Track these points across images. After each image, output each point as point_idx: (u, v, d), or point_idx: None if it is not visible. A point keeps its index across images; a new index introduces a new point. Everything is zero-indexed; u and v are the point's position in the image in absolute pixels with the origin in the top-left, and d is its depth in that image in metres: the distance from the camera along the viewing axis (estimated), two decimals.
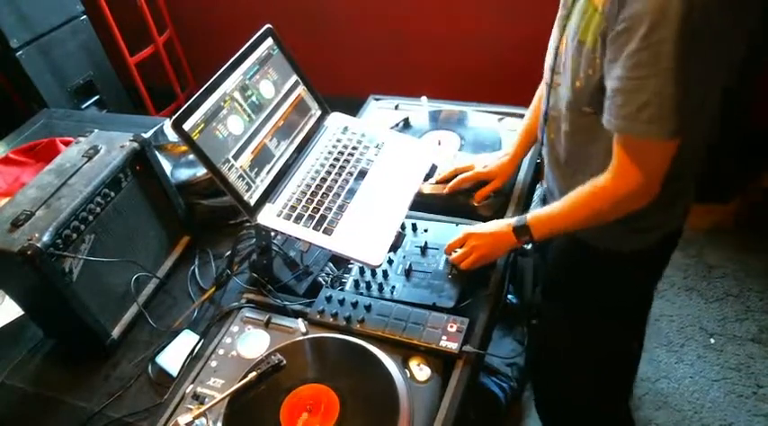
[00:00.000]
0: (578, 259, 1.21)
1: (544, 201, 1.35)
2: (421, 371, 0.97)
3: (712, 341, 2.01)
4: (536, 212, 1.07)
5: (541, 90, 1.23)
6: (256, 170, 1.12)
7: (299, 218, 1.10)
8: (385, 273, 1.14)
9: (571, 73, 0.97)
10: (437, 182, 1.31)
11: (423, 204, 1.28)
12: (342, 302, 1.08)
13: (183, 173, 1.40)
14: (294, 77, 1.25)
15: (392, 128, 1.49)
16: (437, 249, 1.17)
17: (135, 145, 1.19)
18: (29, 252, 0.95)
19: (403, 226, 1.21)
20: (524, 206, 1.31)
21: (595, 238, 1.12)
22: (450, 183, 1.29)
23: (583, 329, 1.28)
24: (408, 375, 0.96)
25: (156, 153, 1.28)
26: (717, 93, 0.93)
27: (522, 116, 1.50)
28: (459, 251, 1.11)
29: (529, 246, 1.30)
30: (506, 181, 1.29)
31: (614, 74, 0.86)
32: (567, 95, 1.01)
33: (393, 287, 1.11)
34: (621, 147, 0.91)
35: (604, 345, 1.30)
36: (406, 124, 1.52)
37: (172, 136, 1.58)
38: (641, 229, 1.08)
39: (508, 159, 1.29)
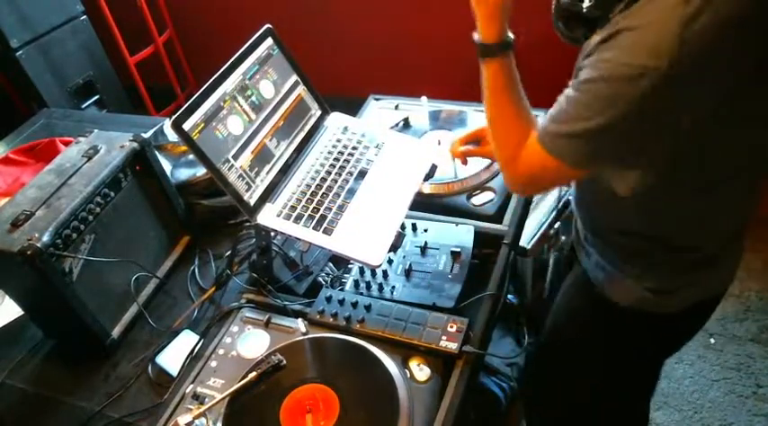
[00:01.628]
0: (589, 309, 1.18)
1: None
2: (421, 371, 0.97)
3: (712, 341, 2.01)
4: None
5: None
6: (256, 170, 1.12)
7: (298, 218, 1.10)
8: (385, 273, 1.14)
9: None
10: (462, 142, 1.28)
11: (423, 204, 1.28)
12: (342, 302, 1.08)
13: (183, 173, 1.40)
14: (294, 77, 1.25)
15: (392, 128, 1.49)
16: (437, 249, 1.17)
17: (135, 145, 1.19)
18: (29, 252, 0.95)
19: (403, 226, 1.21)
20: (525, 206, 1.31)
21: (612, 291, 1.09)
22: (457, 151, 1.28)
23: (582, 380, 1.26)
24: (408, 375, 0.96)
25: (156, 153, 1.28)
26: (743, 175, 0.92)
27: None
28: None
29: (530, 246, 1.29)
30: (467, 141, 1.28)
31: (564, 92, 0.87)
32: None
33: (393, 287, 1.11)
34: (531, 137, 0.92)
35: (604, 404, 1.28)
36: (406, 124, 1.52)
37: (172, 136, 1.58)
38: (661, 291, 1.04)
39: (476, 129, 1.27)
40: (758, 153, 0.91)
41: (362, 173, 1.20)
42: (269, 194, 1.13)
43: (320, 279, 1.20)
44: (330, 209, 1.12)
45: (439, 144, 1.42)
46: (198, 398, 0.98)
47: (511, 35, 0.99)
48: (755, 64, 0.78)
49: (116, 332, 1.17)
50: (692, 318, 1.14)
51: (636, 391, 1.36)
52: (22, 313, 1.21)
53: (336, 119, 1.31)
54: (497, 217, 1.25)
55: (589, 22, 0.85)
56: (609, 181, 0.94)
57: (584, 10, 0.85)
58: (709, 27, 0.71)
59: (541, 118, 0.93)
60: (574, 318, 1.24)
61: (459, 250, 1.14)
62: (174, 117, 0.99)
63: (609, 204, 0.99)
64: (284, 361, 0.98)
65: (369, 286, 1.12)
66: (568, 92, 0.85)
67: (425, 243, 1.18)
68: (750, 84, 0.80)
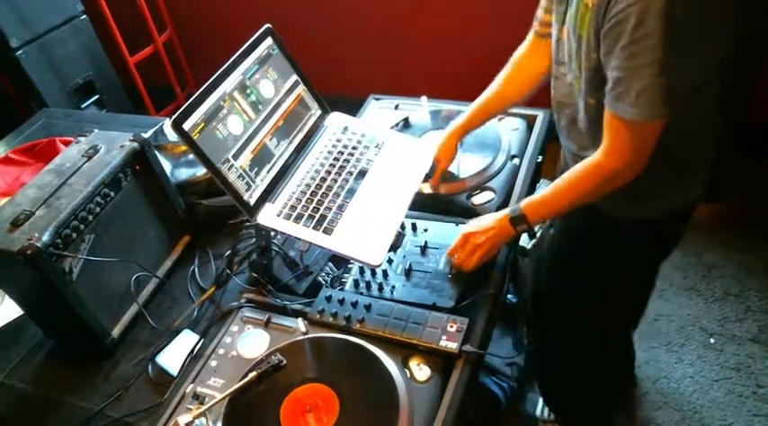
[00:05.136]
0: (584, 226, 1.23)
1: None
2: (421, 371, 0.97)
3: (712, 341, 2.01)
4: (528, 199, 1.10)
5: (504, 74, 1.28)
6: (256, 170, 1.11)
7: (298, 218, 1.10)
8: (385, 273, 1.14)
9: (576, 64, 1.03)
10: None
11: (423, 204, 1.28)
12: (342, 302, 1.08)
13: (183, 173, 1.40)
14: (294, 77, 1.25)
15: (392, 128, 1.49)
16: (437, 249, 1.17)
17: (135, 145, 1.19)
18: (29, 252, 0.95)
19: (403, 226, 1.21)
20: None
21: (601, 204, 1.14)
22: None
23: (584, 297, 1.31)
24: (408, 375, 0.96)
25: (156, 153, 1.28)
26: (714, 82, 0.99)
27: (522, 116, 1.51)
28: (461, 253, 1.12)
29: (529, 246, 1.30)
30: (450, 161, 1.32)
31: (612, 64, 0.92)
32: (576, 86, 1.06)
33: (393, 286, 1.11)
34: (622, 127, 0.97)
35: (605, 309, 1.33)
36: (406, 124, 1.52)
37: (172, 136, 1.58)
38: (646, 195, 1.09)
39: (446, 138, 1.30)
40: (726, 56, 0.99)
41: (362, 173, 1.20)
42: (269, 194, 1.13)
43: (320, 278, 1.20)
44: (330, 209, 1.12)
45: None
46: (198, 398, 0.99)
47: (508, 210, 1.10)
48: None
49: (116, 331, 1.17)
50: (674, 223, 1.22)
51: (630, 307, 1.43)
52: (22, 313, 1.21)
53: (336, 119, 1.31)
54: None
55: None
56: None
57: None
58: None
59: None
60: (569, 235, 1.31)
61: None
62: (174, 117, 0.99)
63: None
64: (284, 361, 0.97)
65: (369, 285, 1.12)
66: (614, 72, 0.91)
67: (425, 242, 1.18)
68: None
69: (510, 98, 1.29)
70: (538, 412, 1.81)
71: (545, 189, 1.09)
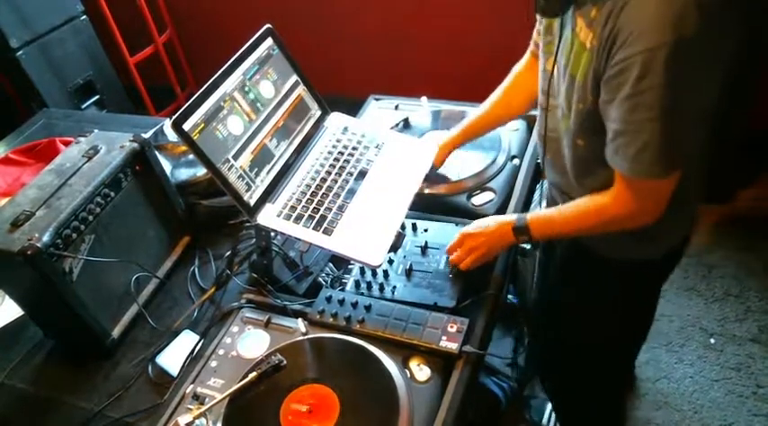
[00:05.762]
0: (582, 267, 1.21)
1: (545, 202, 1.36)
2: (421, 371, 0.97)
3: (712, 341, 2.01)
4: (536, 213, 1.08)
5: (500, 92, 1.27)
6: (256, 170, 1.11)
7: (298, 218, 1.10)
8: (385, 273, 1.14)
9: (565, 103, 0.99)
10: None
11: (423, 204, 1.28)
12: (342, 302, 1.08)
13: (183, 173, 1.40)
14: (294, 77, 1.25)
15: (392, 128, 1.49)
16: (437, 249, 1.17)
17: (135, 145, 1.19)
18: (29, 252, 0.95)
19: (403, 226, 1.21)
20: (524, 206, 1.31)
21: (596, 245, 1.13)
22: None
23: (586, 333, 1.30)
24: (408, 375, 0.96)
25: (156, 153, 1.28)
26: (712, 108, 0.94)
27: (521, 116, 1.51)
28: (458, 252, 1.11)
29: (528, 246, 1.30)
30: (435, 169, 1.31)
31: (613, 115, 0.87)
32: (563, 123, 1.03)
33: (394, 287, 1.11)
34: (624, 182, 0.93)
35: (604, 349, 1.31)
36: (406, 124, 1.52)
37: (172, 136, 1.58)
38: (645, 238, 1.06)
39: (438, 150, 1.29)
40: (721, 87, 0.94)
41: (362, 174, 1.20)
42: (269, 194, 1.13)
43: (320, 279, 1.20)
44: (330, 210, 1.12)
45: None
46: (198, 398, 0.98)
47: (513, 218, 1.08)
48: None
49: (116, 332, 1.17)
50: (671, 258, 1.20)
51: (631, 341, 1.42)
52: (22, 313, 1.21)
53: (336, 120, 1.31)
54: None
55: None
56: None
57: None
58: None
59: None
60: (567, 279, 1.29)
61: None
62: (174, 117, 0.99)
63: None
64: (284, 361, 0.98)
65: (369, 286, 1.12)
66: (615, 124, 0.87)
67: (426, 243, 1.18)
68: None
69: (506, 115, 1.29)
70: (545, 420, 1.81)
71: (557, 209, 1.06)
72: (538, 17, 1.09)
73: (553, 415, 1.80)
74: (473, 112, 1.31)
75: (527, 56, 1.24)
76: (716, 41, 0.80)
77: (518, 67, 1.26)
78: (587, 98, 0.92)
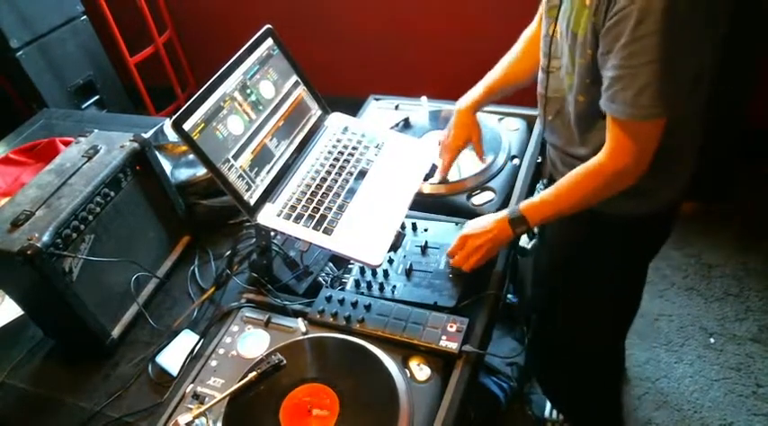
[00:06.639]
0: (575, 224, 1.21)
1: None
2: (421, 371, 0.97)
3: (712, 340, 2.01)
4: (528, 201, 1.10)
5: (515, 50, 1.28)
6: (256, 170, 1.12)
7: (298, 218, 1.10)
8: (386, 273, 1.14)
9: (569, 60, 1.03)
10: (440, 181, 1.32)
11: (423, 204, 1.28)
12: (342, 302, 1.08)
13: (183, 173, 1.40)
14: (294, 77, 1.25)
15: (392, 128, 1.49)
16: (437, 248, 1.17)
17: (135, 145, 1.19)
18: (29, 252, 0.95)
19: (403, 226, 1.22)
20: None
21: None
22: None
23: (582, 295, 1.32)
24: (408, 375, 0.96)
25: (156, 153, 1.28)
26: (706, 71, 0.99)
27: (522, 116, 1.51)
28: (459, 255, 1.12)
29: (529, 246, 1.30)
30: (472, 138, 1.32)
31: (610, 64, 0.92)
32: (567, 82, 1.06)
33: (394, 286, 1.11)
34: (619, 128, 0.96)
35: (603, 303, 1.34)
36: (406, 124, 1.52)
37: (172, 136, 1.58)
38: (636, 192, 1.08)
39: (461, 115, 1.30)
40: (715, 54, 0.99)
41: (362, 173, 1.20)
42: (269, 194, 1.13)
43: (320, 279, 1.20)
44: (330, 209, 1.12)
45: (439, 144, 1.42)
46: (198, 398, 0.99)
47: (506, 212, 1.10)
48: None
49: (116, 331, 1.17)
50: (665, 218, 1.23)
51: (623, 304, 1.43)
52: (22, 313, 1.21)
53: (336, 120, 1.31)
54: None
55: None
56: None
57: None
58: None
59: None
60: (561, 235, 1.31)
61: None
62: (174, 117, 0.99)
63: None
64: (284, 361, 0.98)
65: (370, 286, 1.12)
66: (612, 71, 0.91)
67: (426, 242, 1.18)
68: None
69: (522, 73, 1.28)
70: (546, 413, 1.81)
71: (545, 191, 1.09)
72: None
73: (554, 410, 1.81)
74: (490, 74, 1.31)
75: (536, 20, 1.26)
76: None
77: (528, 32, 1.28)
78: (586, 53, 0.97)
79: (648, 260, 1.34)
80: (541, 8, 1.21)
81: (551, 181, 1.31)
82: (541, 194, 1.09)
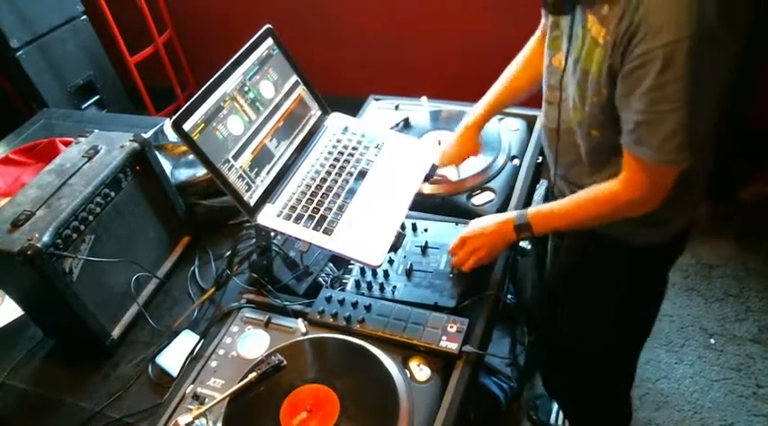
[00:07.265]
0: (591, 252, 1.22)
1: (546, 200, 1.36)
2: (421, 371, 0.97)
3: (712, 341, 2.01)
4: (537, 208, 1.08)
5: (516, 66, 1.27)
6: (256, 170, 1.11)
7: (299, 218, 1.10)
8: (386, 273, 1.14)
9: (577, 95, 1.00)
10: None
11: (423, 204, 1.28)
12: (342, 302, 1.08)
13: (183, 173, 1.40)
14: (294, 77, 1.25)
15: (392, 128, 1.49)
16: (437, 249, 1.17)
17: (135, 145, 1.19)
18: (29, 252, 0.95)
19: (403, 226, 1.21)
20: (525, 206, 1.31)
21: (608, 233, 1.13)
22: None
23: (592, 324, 1.30)
24: (408, 375, 0.96)
25: (156, 153, 1.28)
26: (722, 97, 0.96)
27: (522, 117, 1.51)
28: (459, 254, 1.11)
29: (529, 247, 1.30)
30: (470, 154, 1.32)
31: (633, 107, 0.89)
32: (575, 116, 1.04)
33: (394, 287, 1.11)
34: (639, 167, 0.94)
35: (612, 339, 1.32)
36: (406, 124, 1.52)
37: (172, 136, 1.58)
38: (653, 223, 1.08)
39: (463, 134, 1.30)
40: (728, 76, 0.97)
41: (362, 174, 1.20)
42: (269, 194, 1.13)
43: (320, 279, 1.20)
44: (330, 209, 1.12)
45: (439, 144, 1.42)
46: (198, 398, 0.98)
47: (514, 215, 1.09)
48: None
49: (116, 332, 1.17)
50: (678, 242, 1.21)
51: (629, 320, 1.40)
52: (22, 313, 1.21)
53: (336, 120, 1.31)
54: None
55: None
56: None
57: None
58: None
59: None
60: (573, 257, 1.29)
61: None
62: (174, 117, 0.99)
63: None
64: (284, 362, 0.98)
65: (370, 286, 1.12)
66: (636, 115, 0.88)
67: (426, 242, 1.18)
68: None
69: (527, 83, 1.27)
70: (552, 419, 1.81)
71: (556, 202, 1.07)
72: (544, 13, 1.11)
73: (560, 414, 1.80)
74: (493, 88, 1.30)
75: (538, 32, 1.24)
76: (730, 29, 0.82)
77: (532, 42, 1.26)
78: (602, 91, 0.94)
79: (666, 274, 1.32)
80: (542, 22, 1.19)
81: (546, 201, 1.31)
82: (552, 205, 1.07)
